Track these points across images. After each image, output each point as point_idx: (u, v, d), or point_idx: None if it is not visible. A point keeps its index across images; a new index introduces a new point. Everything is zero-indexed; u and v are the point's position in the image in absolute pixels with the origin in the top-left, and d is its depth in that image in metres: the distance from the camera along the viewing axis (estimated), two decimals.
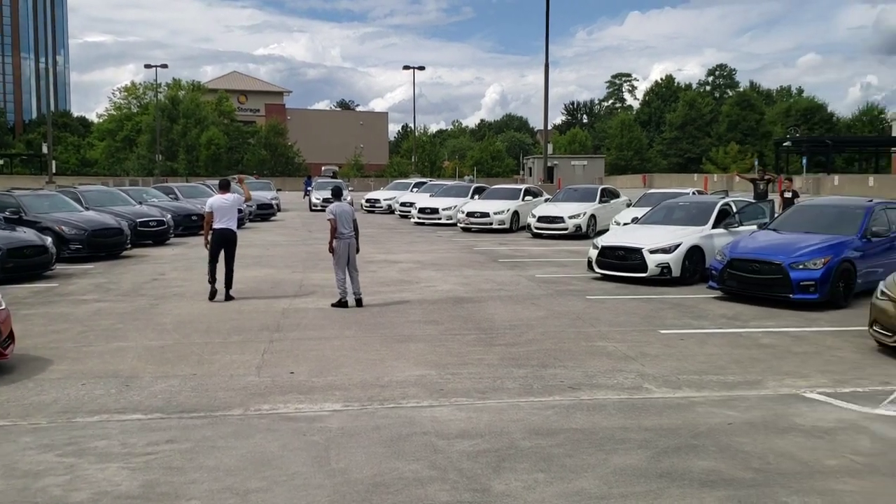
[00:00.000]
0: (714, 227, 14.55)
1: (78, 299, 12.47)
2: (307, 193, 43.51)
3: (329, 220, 11.67)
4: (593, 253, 14.52)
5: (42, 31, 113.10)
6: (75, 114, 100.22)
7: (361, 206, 35.76)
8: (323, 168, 70.38)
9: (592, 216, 23.07)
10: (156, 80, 72.58)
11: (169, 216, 20.99)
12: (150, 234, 20.56)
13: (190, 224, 23.24)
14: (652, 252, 13.71)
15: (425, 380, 7.72)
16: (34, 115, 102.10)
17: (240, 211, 14.68)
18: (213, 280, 12.29)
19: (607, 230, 19.98)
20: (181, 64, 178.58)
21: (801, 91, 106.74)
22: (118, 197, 21.80)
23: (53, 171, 49.21)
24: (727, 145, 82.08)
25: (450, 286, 13.86)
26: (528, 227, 23.89)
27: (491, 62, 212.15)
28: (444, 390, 7.36)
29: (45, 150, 53.15)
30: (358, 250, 11.93)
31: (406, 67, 67.78)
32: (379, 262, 17.05)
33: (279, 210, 34.86)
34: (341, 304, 11.65)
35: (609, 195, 24.96)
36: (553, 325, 10.47)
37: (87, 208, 18.98)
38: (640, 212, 18.46)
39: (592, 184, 37.64)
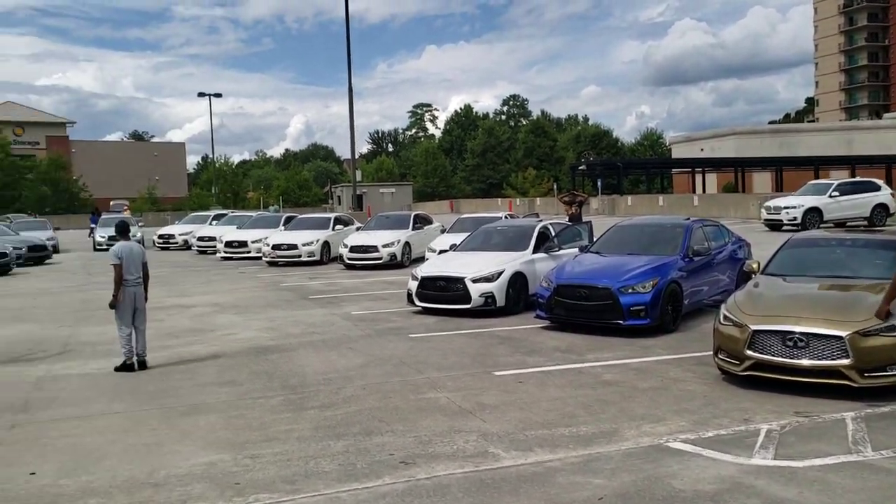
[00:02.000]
0: (535, 251, 13.79)
1: None
2: (92, 231, 39.20)
3: (114, 265, 9.27)
4: (413, 284, 13.25)
5: None
6: None
7: (154, 242, 32.52)
8: (112, 203, 64.79)
9: (407, 244, 21.90)
10: None
11: None
12: None
13: None
14: (475, 281, 12.65)
15: (216, 470, 5.96)
16: None
17: None
18: None
19: (423, 258, 18.96)
20: None
21: (586, 119, 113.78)
22: None
23: None
24: (525, 170, 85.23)
25: (252, 333, 12.01)
26: (339, 258, 22.31)
27: (294, 93, 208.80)
28: (240, 484, 5.65)
29: None
30: (146, 299, 9.72)
31: (202, 95, 64.20)
32: (168, 307, 14.79)
33: (56, 251, 30.80)
34: (126, 367, 9.41)
35: (422, 221, 23.95)
36: (375, 374, 9.01)
37: None
38: (456, 238, 17.48)
39: (402, 210, 36.85)
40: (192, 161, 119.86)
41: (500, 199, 68.99)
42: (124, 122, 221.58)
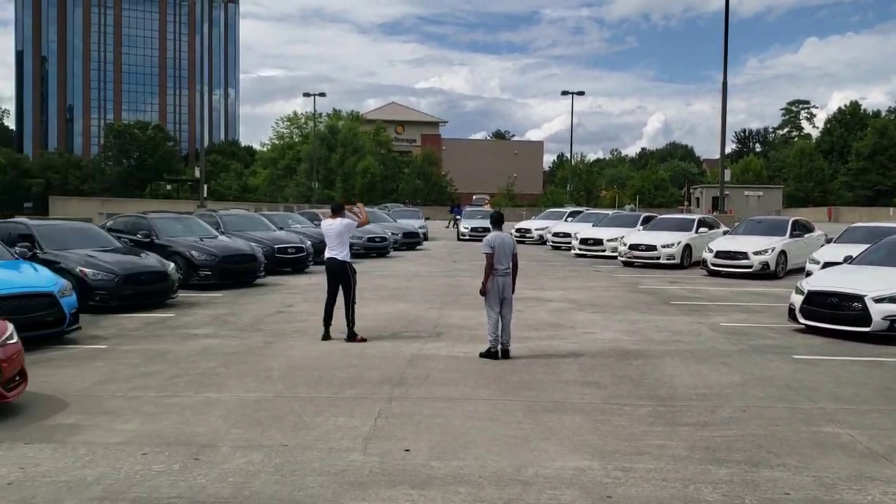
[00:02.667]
0: None
1: (188, 333, 11.19)
2: (456, 222, 42.20)
3: (486, 253, 9.48)
4: (797, 299, 11.67)
5: (217, 66, 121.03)
6: (244, 144, 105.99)
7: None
8: (474, 197, 69.37)
9: (782, 253, 19.70)
10: (314, 110, 74.66)
11: (309, 243, 19.88)
12: (289, 262, 19.50)
13: None
14: (877, 301, 10.71)
15: (585, 477, 5.51)
16: (206, 145, 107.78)
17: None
18: (325, 320, 10.70)
19: (802, 270, 16.92)
20: (346, 97, 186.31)
21: None
22: (258, 222, 21.01)
23: (205, 195, 50.47)
24: None
25: (612, 334, 11.50)
26: (702, 264, 20.87)
27: (654, 91, 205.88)
28: (612, 498, 5.13)
29: (197, 174, 54.89)
30: (513, 290, 9.75)
31: (565, 93, 65.88)
32: (527, 299, 14.91)
33: (426, 239, 33.57)
34: (491, 354, 9.49)
35: (801, 229, 21.35)
36: (756, 396, 7.92)
37: (222, 233, 18.17)
38: (846, 249, 15.21)
39: (772, 215, 33.84)
40: (547, 159, 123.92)
41: (891, 209, 60.55)
42: (488, 122, 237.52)
